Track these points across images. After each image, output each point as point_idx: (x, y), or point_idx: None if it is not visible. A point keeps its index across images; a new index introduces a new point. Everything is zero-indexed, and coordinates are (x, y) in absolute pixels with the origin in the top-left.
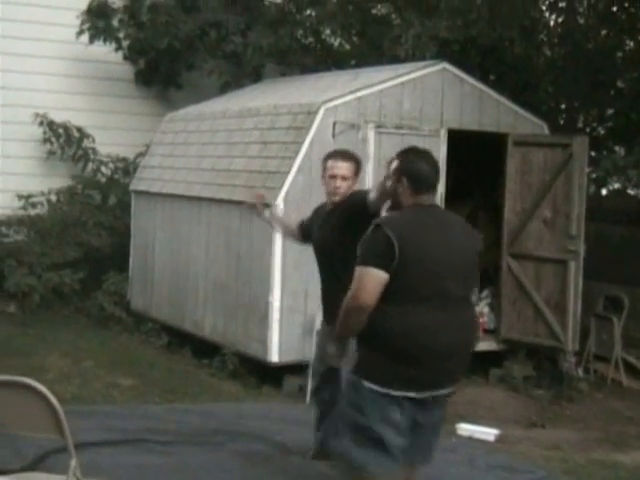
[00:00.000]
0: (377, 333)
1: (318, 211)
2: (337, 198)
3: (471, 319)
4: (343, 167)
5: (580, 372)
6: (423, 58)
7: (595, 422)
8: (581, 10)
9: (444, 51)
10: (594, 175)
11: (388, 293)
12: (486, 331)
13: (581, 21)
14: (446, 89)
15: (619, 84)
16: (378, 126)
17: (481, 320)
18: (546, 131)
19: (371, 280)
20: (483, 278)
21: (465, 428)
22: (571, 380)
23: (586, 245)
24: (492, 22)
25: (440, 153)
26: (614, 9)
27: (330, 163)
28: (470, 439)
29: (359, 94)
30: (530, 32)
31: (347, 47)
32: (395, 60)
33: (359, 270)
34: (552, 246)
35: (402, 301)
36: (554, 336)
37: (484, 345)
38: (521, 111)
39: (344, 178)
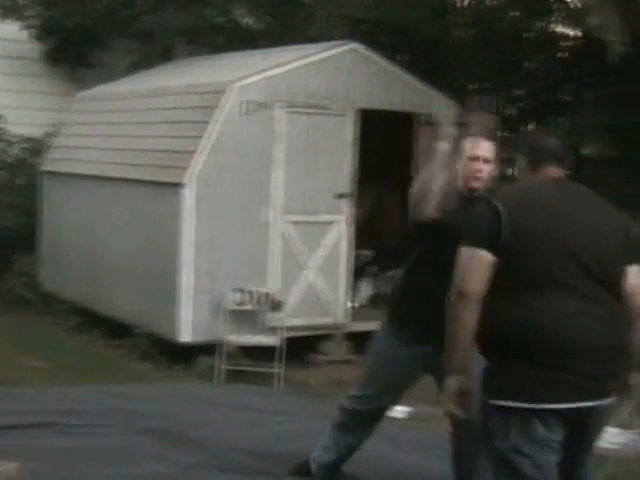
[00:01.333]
0: (498, 332)
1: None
2: (478, 184)
3: (622, 316)
4: (485, 148)
5: None
6: (334, 38)
7: None
8: None
9: (354, 31)
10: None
11: (504, 280)
12: None
13: (490, 2)
14: (355, 69)
15: (528, 65)
16: (287, 105)
17: None
18: (455, 111)
19: (475, 262)
20: (394, 257)
21: None
22: None
23: None
24: (402, 2)
25: (348, 133)
26: None
27: (471, 144)
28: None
29: (268, 74)
30: (440, 13)
31: (258, 27)
32: (306, 40)
33: (461, 253)
34: None
35: (524, 289)
36: None
37: None
38: (431, 91)
39: (486, 161)
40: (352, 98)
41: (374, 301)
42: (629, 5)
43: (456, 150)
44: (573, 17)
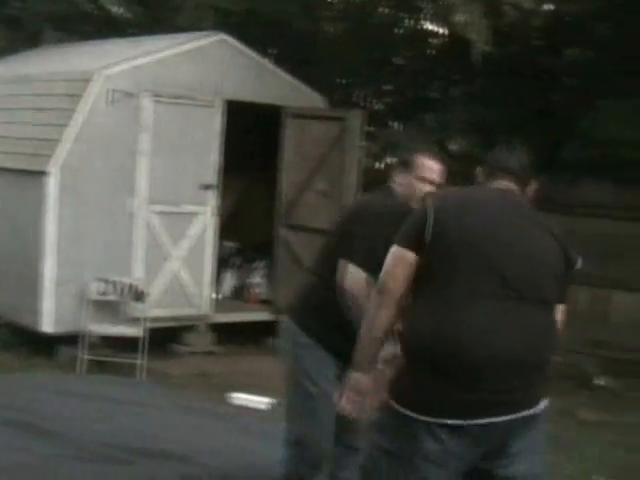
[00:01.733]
0: (409, 336)
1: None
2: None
3: (545, 328)
4: (438, 172)
5: None
6: (203, 28)
7: None
8: None
9: (224, 22)
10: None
11: (423, 284)
12: (261, 301)
13: None
14: (224, 60)
15: (397, 61)
16: (155, 95)
17: (256, 290)
18: (323, 105)
19: (398, 261)
20: (259, 249)
21: (238, 397)
22: None
23: None
24: None
25: (216, 124)
26: None
27: (426, 162)
28: (243, 408)
29: (136, 62)
30: (311, 7)
31: (127, 16)
32: (176, 30)
33: (390, 251)
34: (327, 217)
35: (439, 296)
36: None
37: (259, 315)
38: (299, 84)
39: (433, 185)
40: (220, 89)
41: (238, 293)
42: (492, 3)
43: (406, 163)
44: (440, 14)
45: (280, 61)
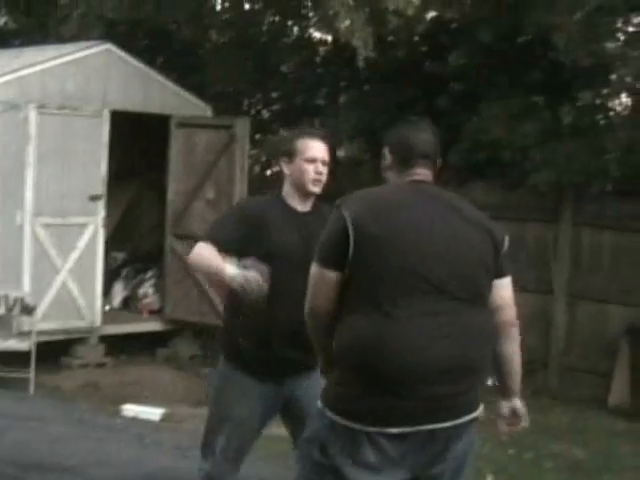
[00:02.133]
0: (338, 349)
1: (261, 214)
2: (317, 189)
3: (480, 329)
4: (323, 150)
5: None
6: (89, 38)
7: None
8: None
9: (111, 32)
10: (264, 158)
11: (349, 295)
12: (152, 312)
13: (247, 6)
14: (110, 70)
15: (283, 69)
16: (40, 106)
17: (147, 301)
18: (210, 113)
19: (321, 282)
20: (149, 259)
21: (130, 409)
22: None
23: None
24: (159, 5)
25: (103, 134)
26: None
27: (307, 143)
28: (135, 419)
29: (20, 73)
30: (197, 16)
31: (13, 26)
32: (62, 40)
33: (311, 270)
34: None
35: (365, 305)
36: (219, 314)
37: (150, 326)
38: (185, 94)
39: (324, 163)
40: (107, 99)
41: (128, 304)
42: (376, 11)
43: (290, 153)
44: (325, 22)
45: (168, 70)
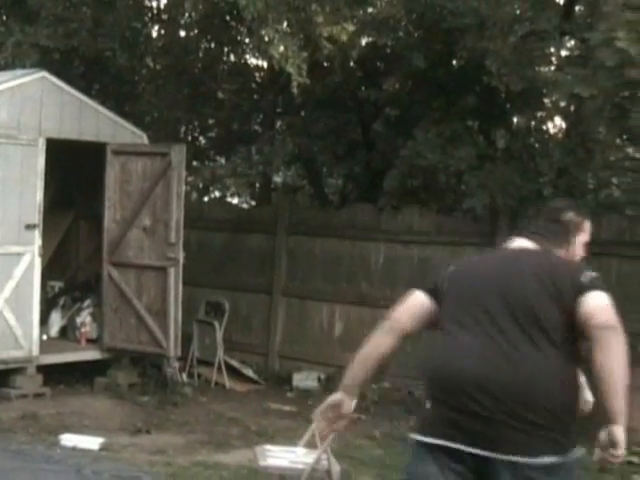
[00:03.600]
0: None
1: None
2: None
3: (537, 369)
4: None
5: (184, 377)
6: (24, 66)
7: (200, 425)
8: (182, 22)
9: (46, 59)
10: (201, 184)
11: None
12: (90, 340)
13: (183, 33)
14: (45, 98)
15: (220, 95)
16: None
17: (84, 330)
18: (146, 141)
19: (410, 299)
20: (86, 288)
21: (69, 438)
22: (175, 385)
23: (185, 252)
24: (94, 32)
25: (38, 163)
26: (215, 22)
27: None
28: (74, 449)
29: None
30: (132, 43)
31: None
32: None
33: None
34: (152, 254)
35: (440, 327)
36: (157, 343)
37: (88, 355)
38: (121, 121)
39: None
40: (42, 127)
41: (66, 332)
42: (310, 37)
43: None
44: (260, 48)
45: (103, 97)
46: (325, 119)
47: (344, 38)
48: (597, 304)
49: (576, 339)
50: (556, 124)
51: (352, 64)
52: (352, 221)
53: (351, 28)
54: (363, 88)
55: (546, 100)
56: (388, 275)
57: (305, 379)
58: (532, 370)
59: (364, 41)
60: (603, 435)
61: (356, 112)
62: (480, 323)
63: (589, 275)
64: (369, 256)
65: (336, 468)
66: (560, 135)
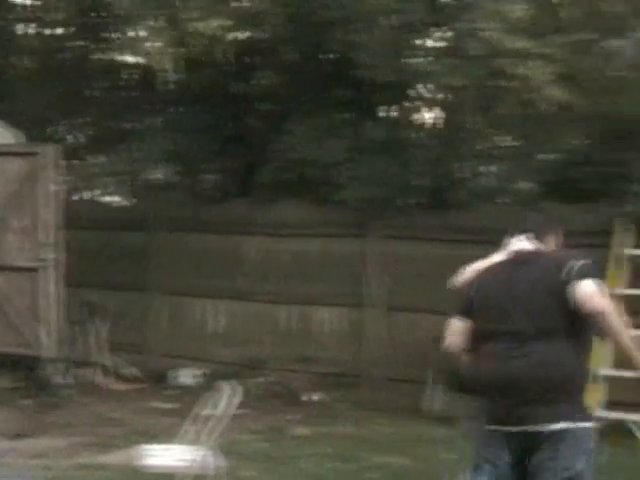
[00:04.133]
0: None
1: None
2: None
3: (545, 355)
4: None
5: (65, 379)
6: None
7: (82, 427)
8: (48, 20)
9: None
10: (77, 184)
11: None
12: None
13: (52, 31)
14: None
15: (92, 93)
16: None
17: None
18: (17, 140)
19: (449, 327)
20: None
21: None
22: (55, 388)
23: (62, 252)
24: None
25: None
26: (84, 19)
27: None
28: None
29: None
30: (1, 42)
31: None
32: None
33: None
34: (25, 255)
35: (475, 342)
36: (35, 345)
37: None
38: None
39: None
40: None
41: None
42: (181, 33)
43: None
44: (129, 45)
45: None
46: (200, 115)
47: (215, 33)
48: (586, 291)
49: (583, 323)
50: (427, 115)
51: (225, 59)
52: (227, 216)
53: (224, 23)
54: (236, 83)
55: (416, 91)
56: (264, 269)
57: (183, 376)
58: (545, 362)
59: (237, 36)
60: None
61: (230, 107)
62: (502, 332)
63: (577, 265)
64: (244, 250)
65: (220, 464)
66: (431, 126)
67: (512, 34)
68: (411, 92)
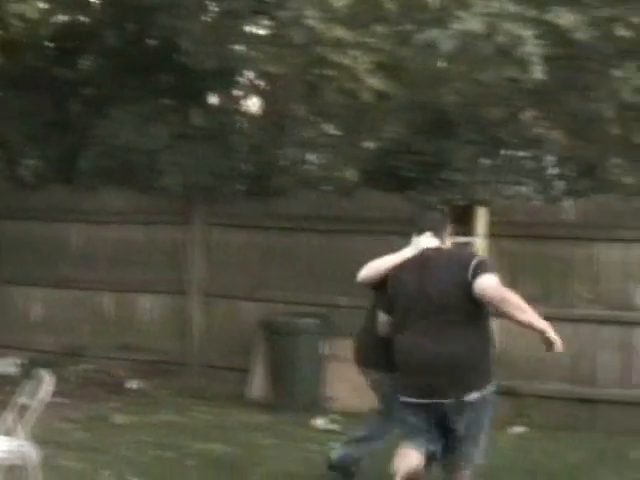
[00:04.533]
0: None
1: None
2: None
3: (452, 339)
4: None
5: None
6: None
7: None
8: None
9: None
10: None
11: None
12: None
13: None
14: None
15: None
16: None
17: None
18: None
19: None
20: None
21: None
22: None
23: None
24: None
25: None
26: None
27: None
28: None
29: None
30: None
31: None
32: None
33: None
34: None
35: (396, 328)
36: None
37: None
38: None
39: None
40: None
41: None
42: (2, 15)
43: None
44: None
45: None
46: (20, 99)
47: (35, 16)
48: (485, 283)
49: (485, 310)
50: (252, 102)
51: (46, 42)
52: (48, 203)
53: (43, 6)
54: (59, 67)
55: (241, 79)
56: (86, 256)
57: (4, 365)
58: (450, 344)
59: (58, 19)
60: (545, 340)
61: (53, 92)
62: (415, 322)
63: (477, 262)
64: (66, 238)
65: (35, 454)
66: (256, 113)
67: (334, 23)
68: (236, 79)
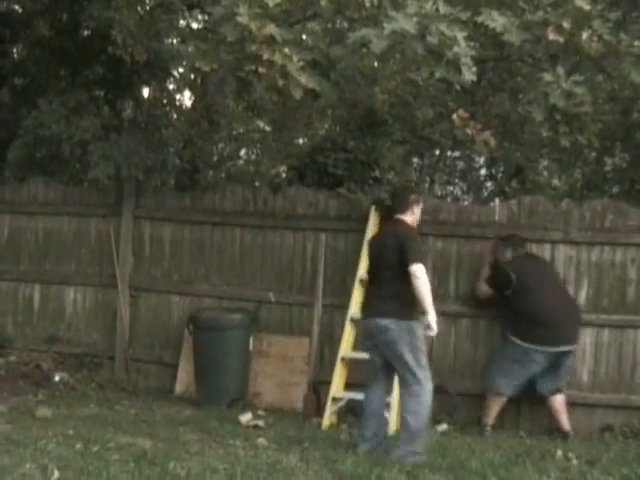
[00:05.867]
0: None
1: None
2: None
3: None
4: None
5: None
6: None
7: None
8: None
9: None
10: None
11: None
12: None
13: None
14: None
15: None
16: None
17: None
18: None
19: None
20: None
21: None
22: None
23: None
24: None
25: None
26: None
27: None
28: None
29: None
30: None
31: None
32: None
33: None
34: None
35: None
36: None
37: None
38: None
39: None
40: None
41: None
42: None
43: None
44: None
45: None
46: None
47: None
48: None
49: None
50: (184, 96)
51: None
52: None
53: None
54: None
55: (172, 72)
56: (13, 247)
57: None
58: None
59: None
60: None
61: None
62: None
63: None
64: None
65: None
66: (187, 107)
67: (265, 19)
68: (167, 73)
